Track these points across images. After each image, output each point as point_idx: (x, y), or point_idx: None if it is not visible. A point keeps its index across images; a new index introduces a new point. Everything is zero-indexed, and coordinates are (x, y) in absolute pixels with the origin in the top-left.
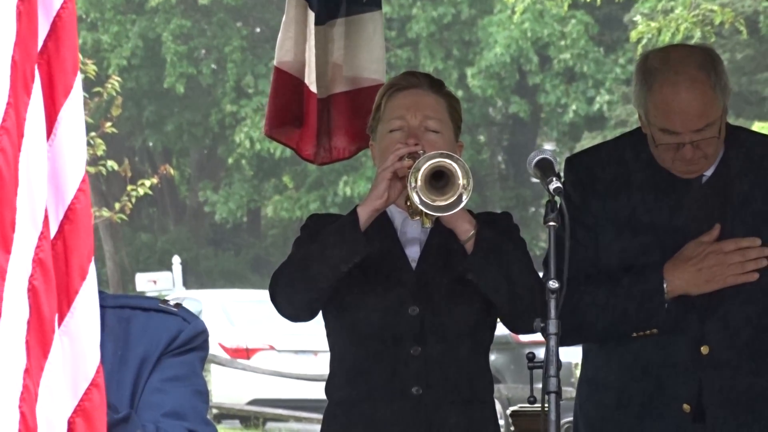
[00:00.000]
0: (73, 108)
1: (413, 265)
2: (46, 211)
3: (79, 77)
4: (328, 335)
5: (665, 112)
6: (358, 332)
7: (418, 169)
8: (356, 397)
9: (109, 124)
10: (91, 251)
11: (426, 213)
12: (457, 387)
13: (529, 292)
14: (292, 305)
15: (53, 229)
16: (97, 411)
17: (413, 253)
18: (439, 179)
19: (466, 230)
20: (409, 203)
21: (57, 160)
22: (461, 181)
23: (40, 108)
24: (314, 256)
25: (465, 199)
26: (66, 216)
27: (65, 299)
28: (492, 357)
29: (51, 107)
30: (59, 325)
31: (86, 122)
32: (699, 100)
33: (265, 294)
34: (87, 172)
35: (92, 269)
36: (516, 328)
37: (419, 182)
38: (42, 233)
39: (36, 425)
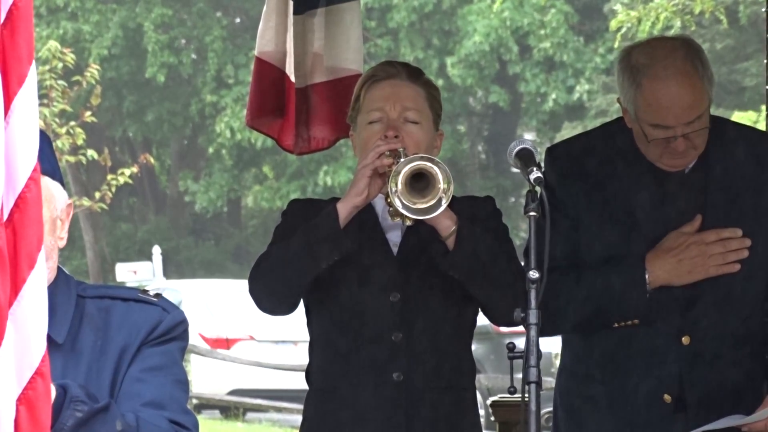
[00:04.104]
0: (27, 97)
1: (394, 250)
2: (1, 197)
3: (34, 66)
4: (309, 321)
5: (657, 107)
6: (339, 318)
7: (399, 173)
8: (337, 383)
9: (88, 113)
10: (41, 240)
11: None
12: (438, 373)
13: (510, 286)
14: (271, 301)
15: (4, 217)
16: (40, 400)
17: (395, 238)
18: (420, 180)
19: (446, 227)
20: (389, 201)
21: (9, 148)
22: (441, 185)
23: None
24: (293, 254)
25: (444, 203)
26: (16, 204)
27: (13, 287)
28: (472, 347)
29: (5, 95)
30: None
31: (66, 111)
32: (689, 93)
33: (245, 284)
34: (67, 161)
35: (41, 258)
36: (498, 321)
37: (399, 186)
38: None
39: None
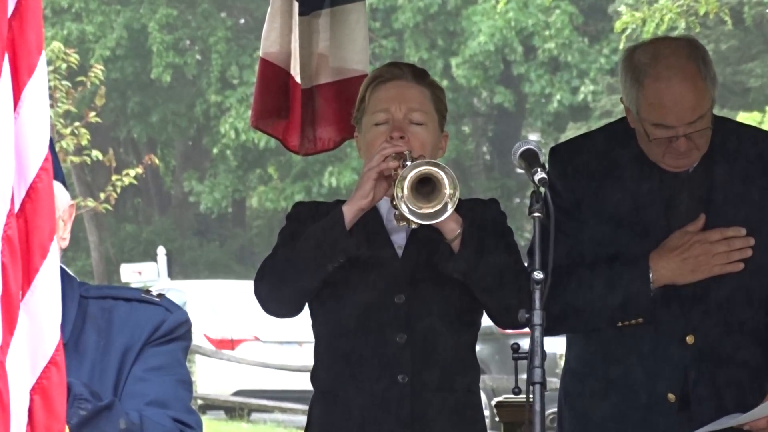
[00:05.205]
0: (37, 87)
1: (399, 252)
2: (12, 188)
3: (44, 57)
4: (313, 323)
5: (659, 107)
6: (343, 320)
7: (404, 178)
8: (342, 385)
9: (93, 114)
10: (53, 230)
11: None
12: (442, 375)
13: (515, 289)
14: (277, 303)
15: (16, 207)
16: (55, 389)
17: (399, 240)
18: (426, 185)
19: (452, 229)
20: (394, 206)
21: (20, 139)
22: (447, 191)
23: (7, 86)
24: (299, 256)
25: (450, 208)
26: (27, 194)
27: (26, 277)
28: (477, 348)
29: (15, 86)
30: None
31: (70, 112)
32: (692, 93)
33: (250, 285)
34: (72, 162)
35: (54, 248)
36: (502, 323)
37: (405, 191)
38: (9, 210)
39: (9, 401)
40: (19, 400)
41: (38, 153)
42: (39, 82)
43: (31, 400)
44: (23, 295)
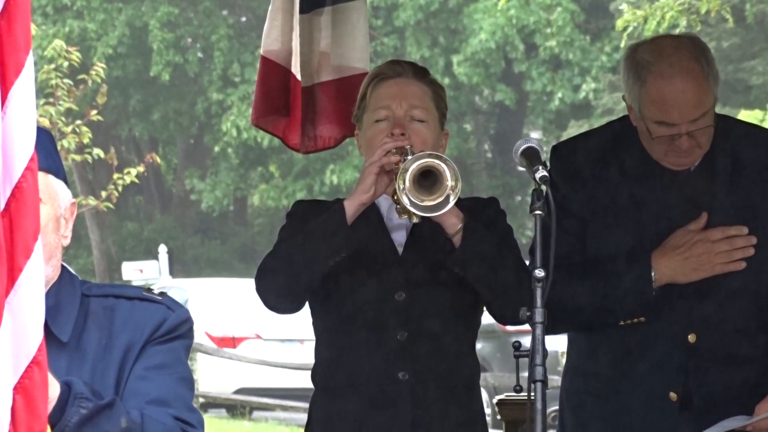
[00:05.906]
0: (24, 86)
1: (399, 250)
2: None
3: (31, 57)
4: (314, 321)
5: (661, 104)
6: (344, 318)
7: (406, 170)
8: (342, 383)
9: (94, 112)
10: (38, 230)
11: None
12: (443, 372)
13: (516, 285)
14: (278, 299)
15: (1, 206)
16: (37, 390)
17: (400, 238)
18: (427, 177)
19: (453, 224)
20: (396, 199)
21: (6, 138)
22: (449, 183)
23: None
24: (300, 251)
25: (452, 200)
26: (13, 194)
27: (9, 277)
28: (478, 346)
29: (2, 85)
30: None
31: (72, 110)
32: (694, 91)
33: (251, 283)
34: (73, 160)
35: (38, 248)
36: (503, 319)
37: (407, 183)
38: None
39: None
40: (2, 399)
41: (24, 153)
42: (26, 81)
43: (14, 400)
44: (6, 295)
